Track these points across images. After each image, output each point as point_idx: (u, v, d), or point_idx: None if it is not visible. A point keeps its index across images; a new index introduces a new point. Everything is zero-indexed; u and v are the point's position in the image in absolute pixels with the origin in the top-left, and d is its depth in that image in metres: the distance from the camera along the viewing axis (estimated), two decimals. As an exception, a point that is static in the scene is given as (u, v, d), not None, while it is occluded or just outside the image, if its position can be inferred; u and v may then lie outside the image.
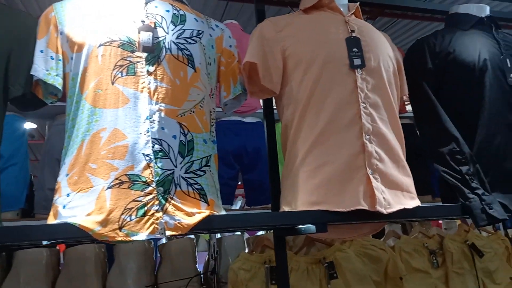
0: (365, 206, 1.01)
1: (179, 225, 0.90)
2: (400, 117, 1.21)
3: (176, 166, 0.95)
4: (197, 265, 1.69)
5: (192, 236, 1.75)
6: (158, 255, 1.73)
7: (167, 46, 1.03)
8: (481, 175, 1.19)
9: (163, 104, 0.97)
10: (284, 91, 1.17)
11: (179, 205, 0.92)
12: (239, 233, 1.83)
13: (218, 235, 1.84)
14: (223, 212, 1.06)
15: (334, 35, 1.15)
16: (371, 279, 1.67)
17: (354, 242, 1.80)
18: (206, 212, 0.95)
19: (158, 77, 0.99)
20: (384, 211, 1.02)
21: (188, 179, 0.97)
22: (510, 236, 2.07)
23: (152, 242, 1.67)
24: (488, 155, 1.23)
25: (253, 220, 0.99)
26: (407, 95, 1.32)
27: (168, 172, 0.93)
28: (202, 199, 0.98)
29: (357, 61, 1.10)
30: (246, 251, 1.82)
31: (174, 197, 0.93)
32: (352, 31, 1.15)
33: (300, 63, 1.12)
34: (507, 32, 1.50)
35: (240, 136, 1.93)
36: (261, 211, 1.79)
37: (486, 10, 1.47)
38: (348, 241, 1.82)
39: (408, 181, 1.13)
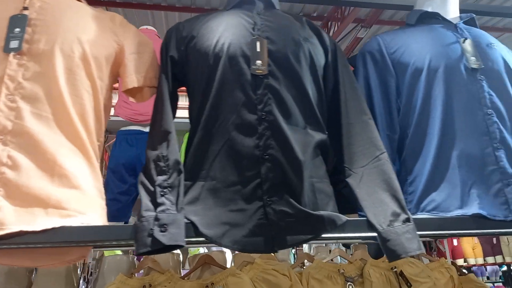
0: None
1: None
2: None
3: None
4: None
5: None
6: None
7: None
8: (180, 188, 0.93)
9: None
10: None
11: None
12: (120, 252, 1.66)
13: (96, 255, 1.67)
14: None
15: (2, 13, 0.97)
16: (262, 309, 1.43)
17: (255, 265, 1.57)
18: None
19: None
20: None
21: None
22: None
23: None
24: (202, 161, 0.99)
25: None
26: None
27: None
28: None
29: (14, 44, 0.91)
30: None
31: None
32: (25, 8, 0.96)
33: None
34: (288, 12, 1.22)
35: (135, 147, 1.78)
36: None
37: None
38: (249, 264, 1.60)
39: (65, 194, 0.88)
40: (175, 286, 1.49)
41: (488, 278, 8.95)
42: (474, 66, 1.20)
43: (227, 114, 0.99)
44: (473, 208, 1.08)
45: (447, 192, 1.12)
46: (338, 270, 1.56)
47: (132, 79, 1.07)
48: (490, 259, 5.54)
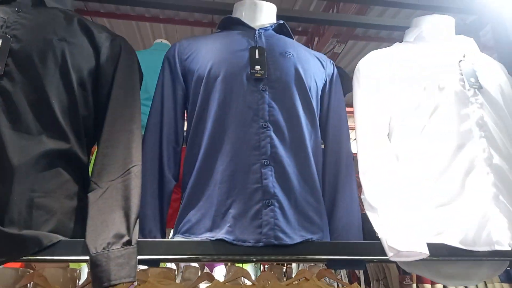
0: None
1: None
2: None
3: None
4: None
5: None
6: None
7: None
8: None
9: None
10: None
11: None
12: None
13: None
14: None
15: None
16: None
17: (148, 285, 1.48)
18: None
19: None
20: None
21: None
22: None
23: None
24: None
25: None
26: None
27: None
28: None
29: None
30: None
31: None
32: None
33: None
34: (63, 10, 1.11)
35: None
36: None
37: None
38: (143, 283, 1.52)
39: None
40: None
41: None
42: (258, 75, 1.10)
43: None
44: (221, 232, 0.97)
45: (202, 211, 1.01)
46: (228, 291, 1.49)
47: None
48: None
